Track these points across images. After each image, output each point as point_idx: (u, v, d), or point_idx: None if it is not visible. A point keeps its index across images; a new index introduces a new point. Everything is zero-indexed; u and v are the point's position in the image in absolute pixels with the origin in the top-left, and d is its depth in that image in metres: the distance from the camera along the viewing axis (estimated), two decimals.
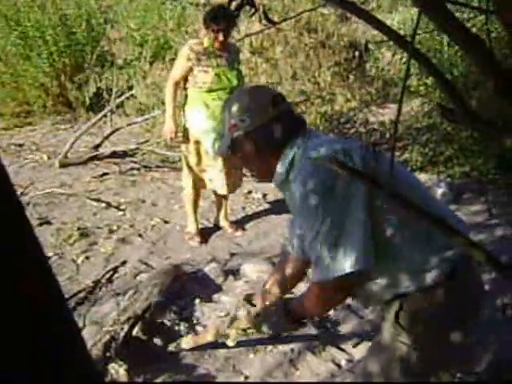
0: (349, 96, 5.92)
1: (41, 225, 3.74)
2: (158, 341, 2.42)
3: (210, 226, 3.78)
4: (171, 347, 2.40)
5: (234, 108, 1.49)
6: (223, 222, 3.72)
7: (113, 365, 2.16)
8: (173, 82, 3.27)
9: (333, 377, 2.22)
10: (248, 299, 2.09)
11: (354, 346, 2.37)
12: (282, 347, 2.38)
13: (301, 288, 2.28)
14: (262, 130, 1.46)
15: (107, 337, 2.26)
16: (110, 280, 3.02)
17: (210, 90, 3.18)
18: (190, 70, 3.19)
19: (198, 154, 3.34)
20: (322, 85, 5.86)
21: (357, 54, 6.38)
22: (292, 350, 2.37)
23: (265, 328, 1.73)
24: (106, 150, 5.19)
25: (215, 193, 3.60)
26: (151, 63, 6.45)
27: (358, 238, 1.28)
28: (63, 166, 4.95)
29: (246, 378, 2.25)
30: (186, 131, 3.33)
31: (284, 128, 1.46)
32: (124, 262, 3.24)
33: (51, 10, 6.67)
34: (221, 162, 3.29)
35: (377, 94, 6.23)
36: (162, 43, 7.12)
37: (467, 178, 4.25)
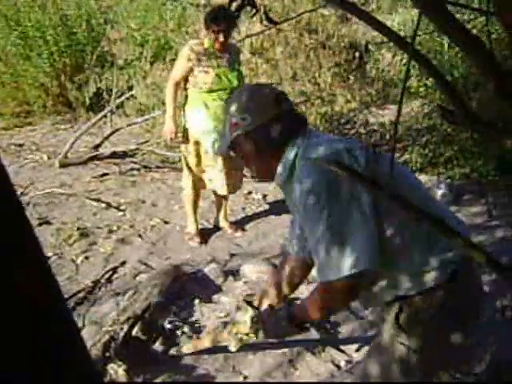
0: (349, 97, 5.92)
1: (41, 225, 3.74)
2: (158, 347, 2.40)
3: (210, 226, 3.78)
4: (172, 351, 2.39)
5: (236, 106, 1.47)
6: (223, 223, 3.72)
7: (112, 365, 2.16)
8: (173, 82, 3.27)
9: (332, 377, 2.22)
10: (248, 300, 2.08)
11: (357, 350, 2.36)
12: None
13: (302, 291, 2.28)
14: (263, 130, 1.45)
15: (106, 337, 2.26)
16: (109, 280, 3.02)
17: (211, 91, 3.18)
18: (191, 70, 3.19)
19: (198, 154, 3.34)
20: (322, 85, 5.87)
21: (357, 54, 6.39)
22: (291, 351, 2.36)
23: (266, 334, 1.71)
24: (106, 150, 5.18)
25: (215, 193, 3.60)
26: (151, 63, 6.45)
27: (363, 238, 1.27)
28: (63, 166, 4.95)
29: (246, 378, 2.25)
30: (185, 131, 3.33)
31: (284, 128, 1.45)
32: (124, 263, 3.24)
33: (52, 10, 6.68)
34: (221, 162, 3.29)
35: (377, 94, 6.23)
36: (162, 44, 7.12)
37: (467, 180, 4.25)
